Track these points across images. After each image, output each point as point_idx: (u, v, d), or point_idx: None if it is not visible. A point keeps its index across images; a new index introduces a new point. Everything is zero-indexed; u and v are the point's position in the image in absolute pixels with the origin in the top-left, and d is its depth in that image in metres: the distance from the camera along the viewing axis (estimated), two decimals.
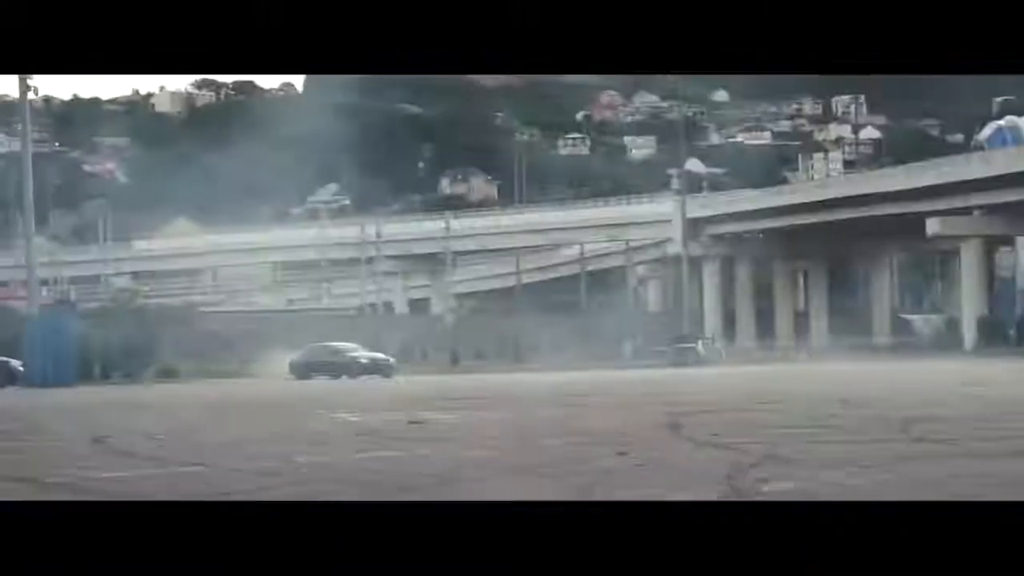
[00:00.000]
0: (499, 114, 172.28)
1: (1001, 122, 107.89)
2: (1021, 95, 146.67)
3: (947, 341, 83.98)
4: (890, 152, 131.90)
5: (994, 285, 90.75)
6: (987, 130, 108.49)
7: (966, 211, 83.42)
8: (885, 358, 67.98)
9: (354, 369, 55.50)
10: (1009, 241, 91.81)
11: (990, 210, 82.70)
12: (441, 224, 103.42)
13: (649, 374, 48.59)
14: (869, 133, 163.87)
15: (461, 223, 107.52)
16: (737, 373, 46.23)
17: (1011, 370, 38.15)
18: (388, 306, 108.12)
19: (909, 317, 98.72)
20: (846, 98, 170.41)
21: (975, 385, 27.13)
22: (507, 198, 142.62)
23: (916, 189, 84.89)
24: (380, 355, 58.66)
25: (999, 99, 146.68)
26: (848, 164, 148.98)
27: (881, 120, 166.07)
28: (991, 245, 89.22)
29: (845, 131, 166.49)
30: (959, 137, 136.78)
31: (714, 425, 15.26)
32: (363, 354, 57.93)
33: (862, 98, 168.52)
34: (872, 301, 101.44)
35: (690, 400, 23.40)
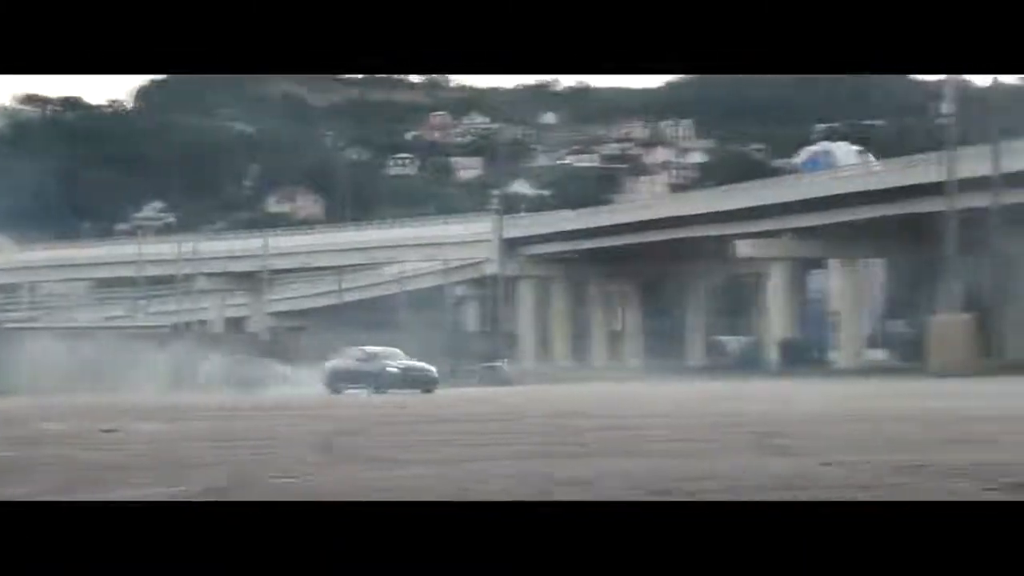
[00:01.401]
0: (329, 133, 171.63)
1: (817, 147, 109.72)
2: (843, 121, 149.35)
3: (757, 362, 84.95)
4: (714, 175, 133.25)
5: (803, 307, 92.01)
6: (803, 155, 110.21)
7: (776, 234, 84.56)
8: (695, 378, 68.52)
9: (385, 381, 49.01)
10: (818, 264, 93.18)
11: (800, 233, 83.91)
12: (261, 242, 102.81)
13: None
14: (695, 157, 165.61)
15: (283, 241, 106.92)
16: (519, 392, 46.31)
17: (778, 387, 38.67)
18: (204, 324, 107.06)
19: (722, 338, 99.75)
20: (674, 121, 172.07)
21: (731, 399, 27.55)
22: (334, 217, 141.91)
23: (730, 211, 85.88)
24: (419, 364, 51.94)
25: (821, 125, 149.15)
26: (674, 187, 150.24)
27: (708, 144, 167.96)
28: (800, 268, 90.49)
29: (671, 155, 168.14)
30: (781, 162, 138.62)
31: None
32: (399, 363, 51.17)
33: (690, 122, 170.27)
34: (687, 322, 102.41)
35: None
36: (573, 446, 14.00)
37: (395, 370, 49.98)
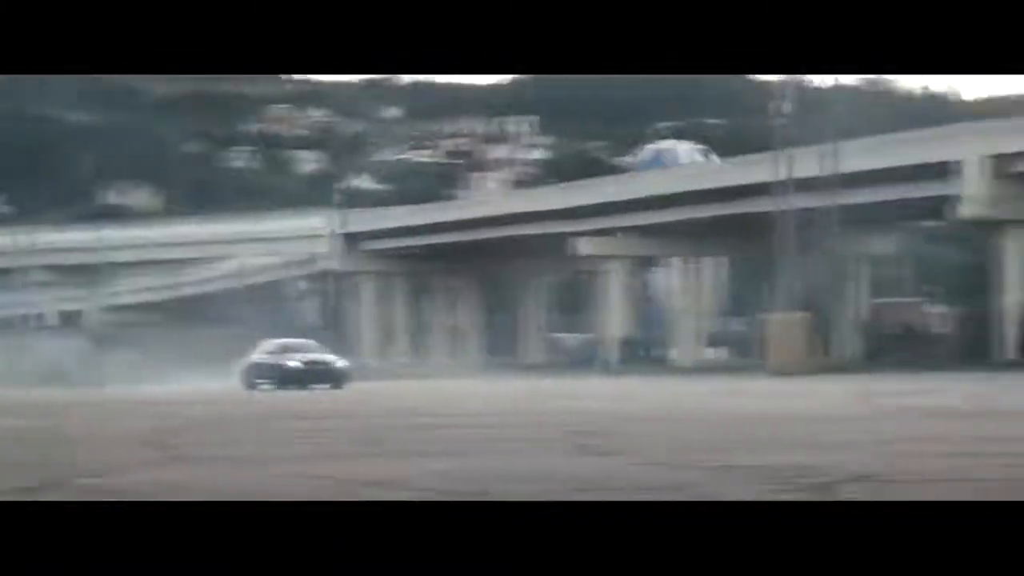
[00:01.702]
0: (169, 125, 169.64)
1: (658, 145, 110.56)
2: (685, 119, 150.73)
3: (596, 360, 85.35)
4: (556, 172, 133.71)
5: (642, 305, 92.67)
6: (644, 152, 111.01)
7: (614, 232, 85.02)
8: (532, 375, 68.74)
9: (284, 376, 46.50)
10: (655, 262, 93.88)
11: (640, 231, 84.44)
12: (98, 234, 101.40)
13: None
14: (536, 154, 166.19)
15: (120, 234, 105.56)
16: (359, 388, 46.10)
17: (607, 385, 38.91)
18: (39, 317, 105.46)
19: (561, 336, 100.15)
20: (515, 118, 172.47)
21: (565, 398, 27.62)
22: (173, 210, 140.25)
23: (571, 208, 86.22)
24: (326, 357, 49.24)
25: (662, 124, 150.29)
26: (515, 184, 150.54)
27: (549, 141, 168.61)
28: (640, 266, 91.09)
29: (513, 151, 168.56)
30: (622, 160, 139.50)
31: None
32: (302, 357, 48.45)
33: (532, 119, 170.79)
34: (526, 319, 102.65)
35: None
36: (397, 444, 13.88)
37: (296, 364, 47.69)
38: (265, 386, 46.98)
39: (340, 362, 49.07)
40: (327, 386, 45.43)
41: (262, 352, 50.22)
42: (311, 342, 51.76)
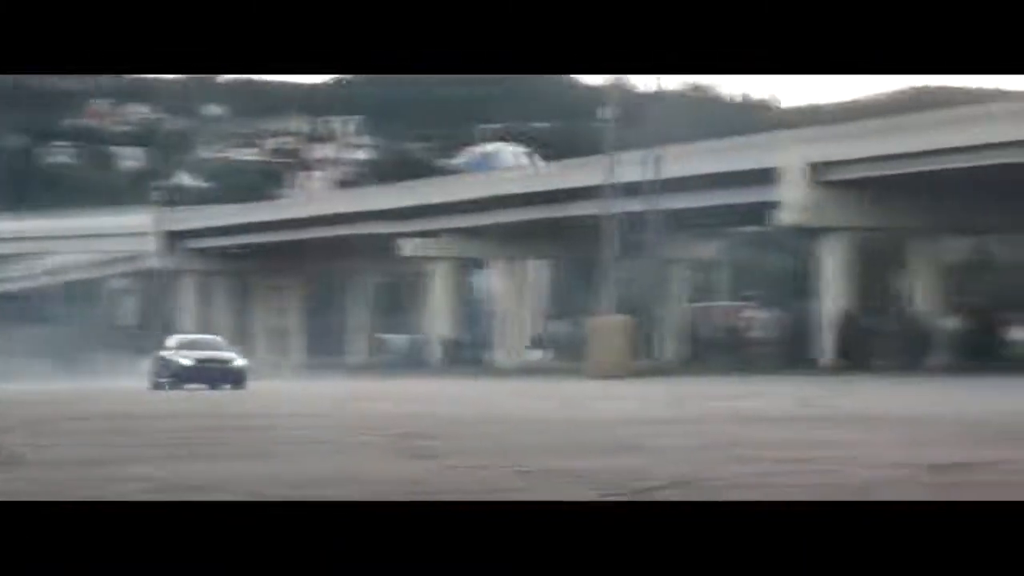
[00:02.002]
0: None
1: (483, 148, 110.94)
2: (509, 122, 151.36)
3: (420, 360, 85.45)
4: (380, 173, 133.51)
5: (467, 306, 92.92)
6: (469, 154, 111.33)
7: (440, 233, 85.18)
8: (356, 376, 68.64)
9: (176, 373, 43.66)
10: (481, 264, 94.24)
11: (465, 233, 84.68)
12: None
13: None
14: (361, 154, 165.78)
15: None
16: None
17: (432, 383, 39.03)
18: None
19: (385, 336, 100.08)
20: (340, 118, 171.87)
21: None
22: None
23: (396, 209, 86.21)
24: (223, 354, 46.11)
25: (487, 126, 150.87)
26: (338, 184, 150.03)
27: (374, 141, 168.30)
28: (465, 267, 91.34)
29: (336, 151, 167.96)
30: (447, 161, 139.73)
31: None
32: (195, 353, 45.23)
33: (356, 118, 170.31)
34: (351, 319, 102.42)
35: None
36: (209, 446, 13.88)
37: (187, 362, 44.74)
38: (169, 385, 44.13)
39: (239, 361, 45.88)
40: (227, 386, 42.76)
41: (165, 348, 47.29)
42: (217, 339, 50.12)
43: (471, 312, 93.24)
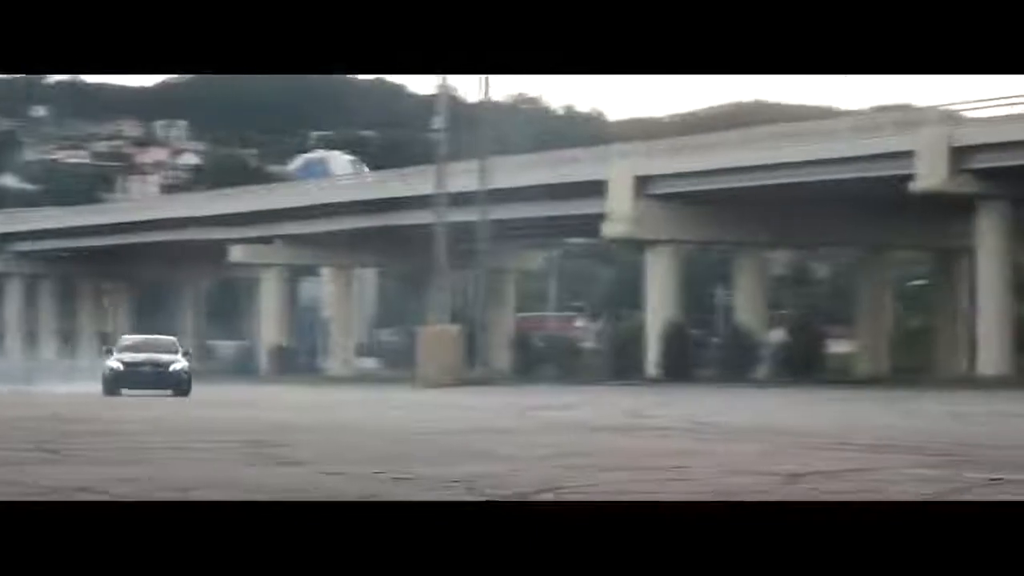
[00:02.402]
0: None
1: (312, 155, 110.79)
2: (336, 129, 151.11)
3: (249, 367, 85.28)
4: (208, 178, 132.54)
5: (296, 313, 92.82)
6: (299, 162, 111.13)
7: (271, 239, 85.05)
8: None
9: (116, 380, 39.72)
10: (312, 271, 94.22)
11: (294, 240, 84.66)
12: None
13: None
14: (189, 158, 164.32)
15: None
16: None
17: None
18: None
19: (214, 343, 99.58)
20: (169, 122, 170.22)
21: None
22: None
23: (226, 215, 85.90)
24: (161, 357, 41.07)
25: (315, 133, 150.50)
26: (167, 188, 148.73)
27: (202, 146, 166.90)
28: (294, 274, 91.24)
29: (165, 155, 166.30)
30: (276, 167, 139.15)
31: None
32: (125, 357, 40.64)
33: (184, 123, 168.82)
34: (180, 325, 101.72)
35: None
36: (45, 452, 13.66)
37: (117, 365, 40.48)
38: (124, 390, 40.06)
39: (179, 364, 41.12)
40: (167, 392, 38.87)
41: (115, 349, 42.98)
42: (167, 339, 45.16)
43: (302, 319, 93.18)
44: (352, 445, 15.74)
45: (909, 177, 57.66)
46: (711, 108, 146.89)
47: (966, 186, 57.79)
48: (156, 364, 40.56)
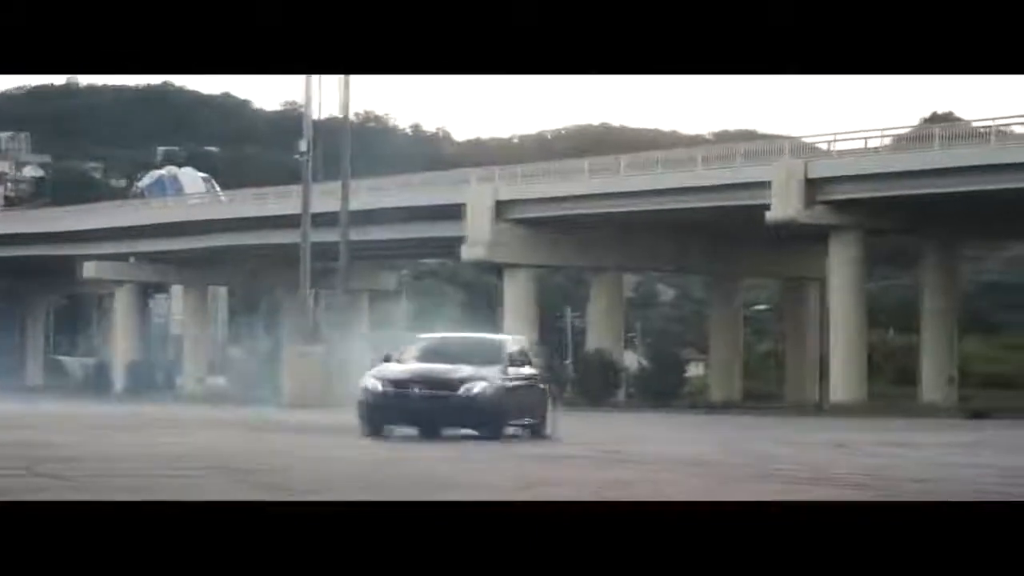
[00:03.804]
0: None
1: (162, 171, 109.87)
2: (184, 145, 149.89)
3: (101, 384, 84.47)
4: (52, 192, 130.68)
5: (149, 331, 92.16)
6: (148, 178, 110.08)
7: (124, 256, 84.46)
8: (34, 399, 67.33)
9: None
10: (163, 288, 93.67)
11: (147, 257, 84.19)
12: None
13: None
14: (31, 171, 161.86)
15: None
16: None
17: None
18: None
19: (63, 359, 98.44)
20: (8, 134, 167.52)
21: None
22: None
23: (79, 231, 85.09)
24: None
25: (162, 148, 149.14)
26: (8, 200, 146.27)
27: (44, 159, 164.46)
28: (146, 291, 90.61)
29: (5, 167, 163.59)
30: (122, 183, 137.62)
31: None
32: None
33: (25, 134, 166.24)
34: (27, 342, 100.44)
35: None
36: None
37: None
38: None
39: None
40: None
41: None
42: None
43: (155, 336, 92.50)
44: (315, 472, 15.27)
45: (765, 207, 59.05)
46: (558, 131, 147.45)
47: (820, 217, 59.34)
48: None
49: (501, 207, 68.28)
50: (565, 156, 76.58)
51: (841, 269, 60.09)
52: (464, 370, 24.72)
